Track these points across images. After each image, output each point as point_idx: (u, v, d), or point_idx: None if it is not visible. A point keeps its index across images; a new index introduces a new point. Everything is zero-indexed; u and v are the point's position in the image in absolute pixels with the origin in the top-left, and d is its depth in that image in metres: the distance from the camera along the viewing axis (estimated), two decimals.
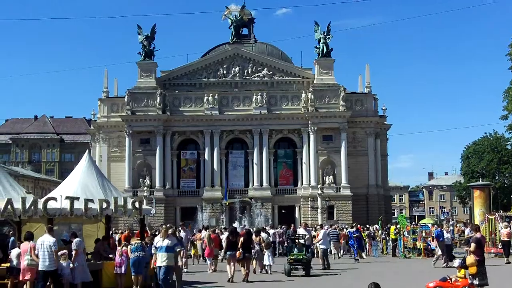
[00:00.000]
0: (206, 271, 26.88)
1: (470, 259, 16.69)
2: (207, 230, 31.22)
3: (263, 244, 26.27)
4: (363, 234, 37.95)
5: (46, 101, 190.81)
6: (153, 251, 18.15)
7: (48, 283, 16.89)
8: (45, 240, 16.60)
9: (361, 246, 35.65)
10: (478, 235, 18.31)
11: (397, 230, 37.25)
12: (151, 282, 19.78)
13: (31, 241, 16.98)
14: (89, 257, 19.59)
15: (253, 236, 26.47)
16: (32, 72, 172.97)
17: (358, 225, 40.91)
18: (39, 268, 16.54)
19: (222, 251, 28.08)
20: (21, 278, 16.99)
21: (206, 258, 27.94)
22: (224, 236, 29.61)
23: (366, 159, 72.08)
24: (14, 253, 17.67)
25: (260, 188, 69.59)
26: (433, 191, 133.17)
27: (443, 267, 26.31)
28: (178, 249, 18.80)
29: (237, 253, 22.73)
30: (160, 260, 17.66)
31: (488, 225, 33.51)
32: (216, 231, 32.82)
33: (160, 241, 17.93)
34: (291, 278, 23.29)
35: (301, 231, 26.33)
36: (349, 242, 36.91)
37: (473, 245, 17.50)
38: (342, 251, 37.43)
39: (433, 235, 31.63)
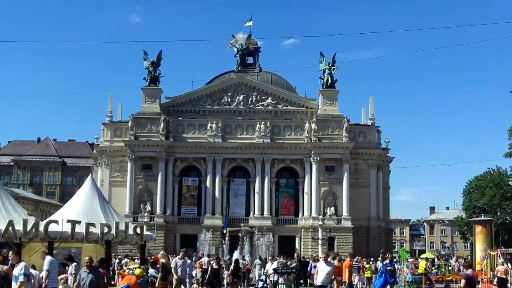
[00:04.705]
0: None
1: None
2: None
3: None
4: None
5: (49, 123, 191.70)
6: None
7: None
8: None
9: (395, 281, 32.01)
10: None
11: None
12: None
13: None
14: None
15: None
16: (37, 94, 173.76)
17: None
18: None
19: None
20: None
21: None
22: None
23: (368, 191, 71.93)
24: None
25: (261, 217, 69.19)
26: (434, 225, 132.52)
27: None
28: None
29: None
30: None
31: (489, 261, 33.28)
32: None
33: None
34: None
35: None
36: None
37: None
38: (360, 283, 37.15)
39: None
